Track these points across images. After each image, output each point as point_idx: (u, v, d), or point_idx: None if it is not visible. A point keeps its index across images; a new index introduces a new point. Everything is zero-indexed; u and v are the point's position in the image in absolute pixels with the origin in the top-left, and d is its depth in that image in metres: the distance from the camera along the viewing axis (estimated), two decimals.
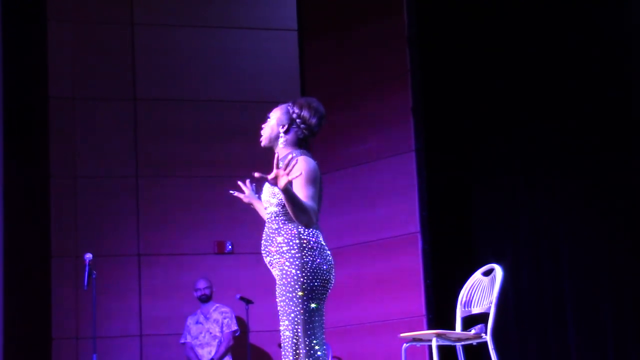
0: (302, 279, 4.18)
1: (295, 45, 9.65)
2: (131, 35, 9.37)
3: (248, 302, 8.65)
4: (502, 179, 8.37)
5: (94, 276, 7.60)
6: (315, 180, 4.22)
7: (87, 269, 7.58)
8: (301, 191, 4.15)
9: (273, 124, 4.41)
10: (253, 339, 8.87)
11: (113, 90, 9.28)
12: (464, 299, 5.81)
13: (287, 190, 4.02)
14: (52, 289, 8.87)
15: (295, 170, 4.02)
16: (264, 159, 8.85)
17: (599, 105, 7.77)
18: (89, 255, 7.62)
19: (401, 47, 8.87)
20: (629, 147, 7.61)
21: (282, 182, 3.99)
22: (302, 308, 4.17)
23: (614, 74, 7.71)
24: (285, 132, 4.36)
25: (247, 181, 4.74)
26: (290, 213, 4.13)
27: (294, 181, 4.08)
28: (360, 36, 9.24)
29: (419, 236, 8.56)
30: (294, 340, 4.18)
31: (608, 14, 7.78)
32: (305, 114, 4.37)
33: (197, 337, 8.72)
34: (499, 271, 5.64)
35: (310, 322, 4.18)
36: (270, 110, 4.47)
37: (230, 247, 9.26)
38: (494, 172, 8.43)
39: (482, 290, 5.72)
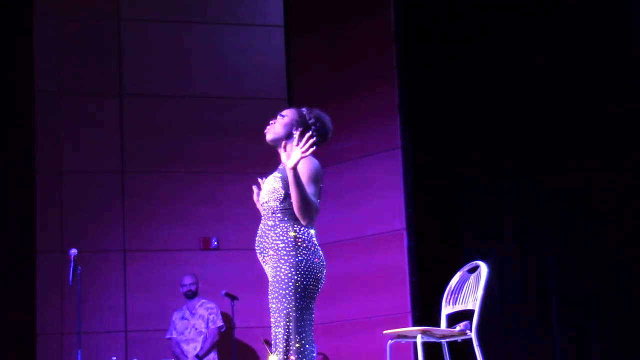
0: (295, 277, 4.22)
1: (281, 42, 9.65)
2: (117, 31, 9.34)
3: (233, 298, 8.65)
4: (487, 176, 8.39)
5: (79, 272, 7.59)
6: (318, 179, 4.30)
7: (72, 264, 7.57)
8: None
9: (287, 122, 4.45)
10: (238, 334, 8.88)
11: (99, 86, 9.25)
12: (449, 296, 5.82)
13: (296, 173, 4.11)
14: (37, 285, 8.84)
15: (308, 147, 4.13)
16: (251, 155, 8.88)
17: (586, 104, 7.79)
18: (74, 251, 7.62)
19: (388, 44, 8.88)
20: (613, 147, 7.63)
21: (294, 158, 4.10)
22: (294, 305, 4.21)
23: (605, 76, 7.69)
24: (302, 136, 4.35)
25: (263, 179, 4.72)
26: (294, 202, 4.19)
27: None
28: (346, 33, 9.24)
29: (404, 233, 8.57)
30: (285, 336, 4.21)
31: (601, 11, 7.78)
32: (319, 126, 4.46)
33: (182, 333, 8.72)
34: (484, 268, 5.65)
35: (302, 319, 4.22)
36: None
37: (215, 243, 9.25)
38: (480, 170, 8.46)
39: (467, 287, 5.73)
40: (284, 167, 4.27)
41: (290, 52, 9.64)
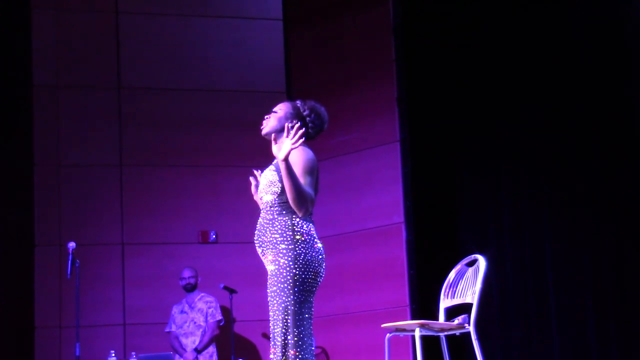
0: (294, 271, 4.22)
1: (280, 35, 9.63)
2: (115, 24, 9.33)
3: (232, 291, 8.65)
4: (486, 169, 8.39)
5: (77, 265, 7.59)
6: (313, 171, 4.31)
7: (70, 257, 7.58)
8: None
9: (281, 116, 4.46)
10: (237, 328, 8.88)
11: (97, 79, 9.24)
12: (447, 290, 5.82)
13: (287, 164, 4.11)
14: (36, 278, 8.84)
15: (297, 138, 4.12)
16: (249, 148, 8.87)
17: (586, 98, 7.77)
18: (72, 244, 7.62)
19: (386, 37, 8.87)
20: (613, 142, 7.63)
21: (284, 149, 4.10)
22: (293, 299, 4.21)
23: (604, 69, 7.67)
24: (292, 128, 4.36)
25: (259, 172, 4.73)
26: (288, 193, 4.19)
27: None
28: (345, 26, 9.23)
29: (403, 226, 8.57)
30: (284, 330, 4.21)
31: (602, 6, 7.76)
32: (314, 117, 4.48)
33: (181, 327, 8.71)
34: (482, 262, 5.65)
35: (300, 313, 4.22)
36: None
37: (214, 236, 9.25)
38: (479, 163, 8.45)
39: (465, 280, 5.73)
40: None
41: (289, 45, 9.63)
